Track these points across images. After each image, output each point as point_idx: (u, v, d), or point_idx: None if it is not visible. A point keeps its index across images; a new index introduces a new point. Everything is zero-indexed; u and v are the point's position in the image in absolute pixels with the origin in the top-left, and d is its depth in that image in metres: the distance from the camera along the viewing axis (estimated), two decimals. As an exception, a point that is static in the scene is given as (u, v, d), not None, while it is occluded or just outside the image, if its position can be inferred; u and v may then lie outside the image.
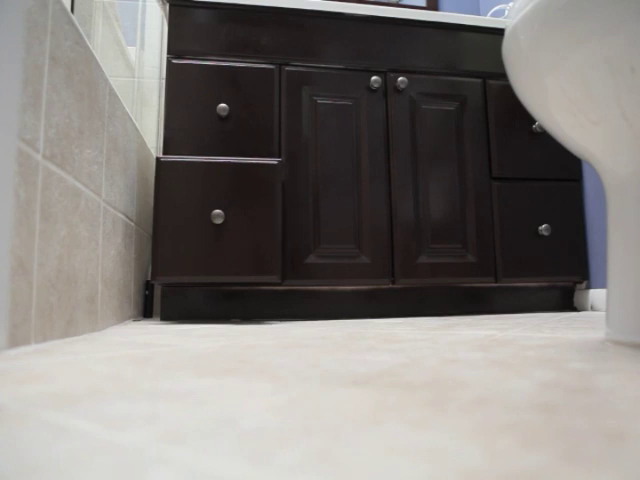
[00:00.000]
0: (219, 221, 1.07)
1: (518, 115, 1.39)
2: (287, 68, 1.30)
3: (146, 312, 1.32)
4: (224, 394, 0.29)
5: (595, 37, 0.47)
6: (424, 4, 1.99)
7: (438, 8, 2.01)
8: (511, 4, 1.76)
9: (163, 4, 1.34)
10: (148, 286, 1.32)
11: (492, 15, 1.81)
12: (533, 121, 1.40)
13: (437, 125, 1.36)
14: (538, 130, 1.38)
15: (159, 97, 1.74)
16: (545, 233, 1.34)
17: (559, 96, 0.54)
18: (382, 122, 1.33)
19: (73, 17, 0.70)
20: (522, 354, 0.45)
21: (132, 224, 1.14)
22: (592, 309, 1.36)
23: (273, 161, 1.12)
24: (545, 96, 0.56)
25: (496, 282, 1.33)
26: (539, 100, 0.58)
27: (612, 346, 0.51)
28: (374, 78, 1.32)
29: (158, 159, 1.09)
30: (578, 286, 1.42)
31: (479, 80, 1.40)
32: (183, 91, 1.24)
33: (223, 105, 1.23)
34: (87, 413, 0.25)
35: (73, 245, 0.71)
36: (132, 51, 1.70)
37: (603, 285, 1.34)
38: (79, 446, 0.20)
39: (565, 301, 1.41)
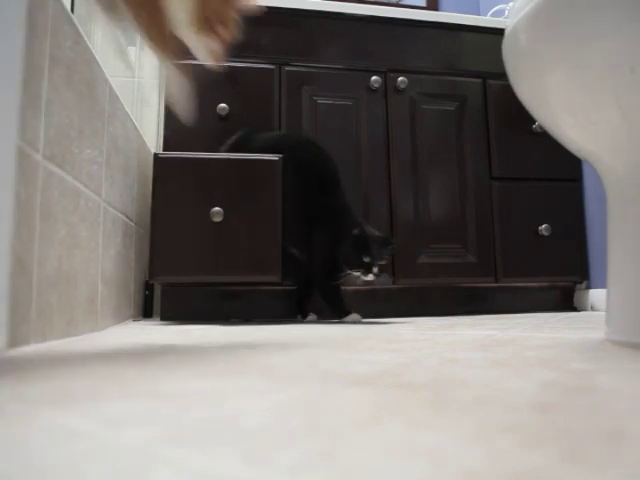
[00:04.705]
0: (218, 219, 1.06)
1: (518, 115, 1.38)
2: (287, 68, 1.30)
3: (146, 312, 1.31)
4: (224, 394, 0.29)
5: (595, 37, 0.47)
6: (424, 4, 1.99)
7: (438, 8, 2.00)
8: (511, 4, 1.76)
9: (163, 4, 1.34)
10: (148, 286, 1.32)
11: (492, 15, 1.80)
12: (533, 121, 1.40)
13: (437, 125, 1.36)
14: (538, 130, 1.38)
15: (159, 97, 1.74)
16: (545, 233, 1.34)
17: (559, 96, 0.54)
18: (382, 122, 1.33)
19: (73, 17, 0.70)
20: (522, 354, 0.45)
21: (132, 224, 1.14)
22: (592, 309, 1.36)
23: (273, 157, 1.10)
24: (545, 96, 0.56)
25: (496, 282, 1.33)
26: (539, 100, 0.58)
27: (612, 346, 0.51)
28: (374, 78, 1.32)
29: (156, 155, 1.08)
30: (578, 286, 1.42)
31: (479, 80, 1.40)
32: (183, 91, 1.24)
33: (223, 105, 1.23)
34: (87, 413, 0.25)
35: (73, 245, 0.71)
36: (132, 51, 1.70)
37: (603, 285, 1.34)
38: (79, 446, 0.20)
39: (565, 301, 1.41)
